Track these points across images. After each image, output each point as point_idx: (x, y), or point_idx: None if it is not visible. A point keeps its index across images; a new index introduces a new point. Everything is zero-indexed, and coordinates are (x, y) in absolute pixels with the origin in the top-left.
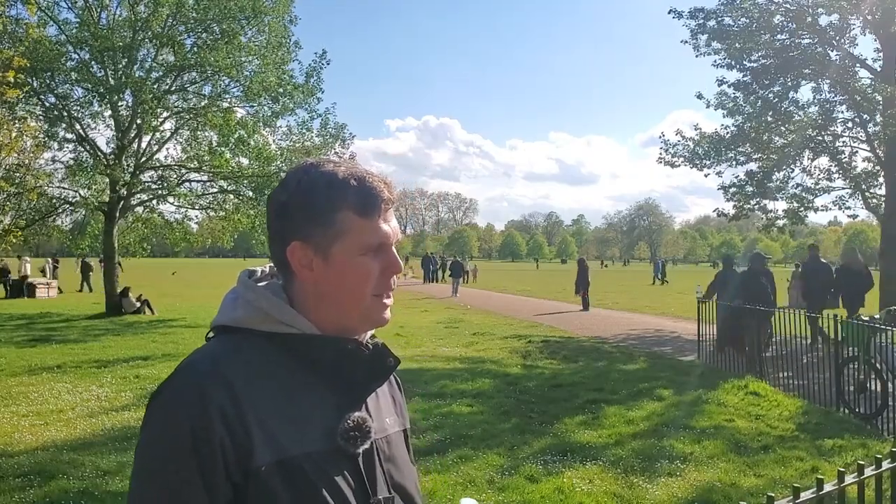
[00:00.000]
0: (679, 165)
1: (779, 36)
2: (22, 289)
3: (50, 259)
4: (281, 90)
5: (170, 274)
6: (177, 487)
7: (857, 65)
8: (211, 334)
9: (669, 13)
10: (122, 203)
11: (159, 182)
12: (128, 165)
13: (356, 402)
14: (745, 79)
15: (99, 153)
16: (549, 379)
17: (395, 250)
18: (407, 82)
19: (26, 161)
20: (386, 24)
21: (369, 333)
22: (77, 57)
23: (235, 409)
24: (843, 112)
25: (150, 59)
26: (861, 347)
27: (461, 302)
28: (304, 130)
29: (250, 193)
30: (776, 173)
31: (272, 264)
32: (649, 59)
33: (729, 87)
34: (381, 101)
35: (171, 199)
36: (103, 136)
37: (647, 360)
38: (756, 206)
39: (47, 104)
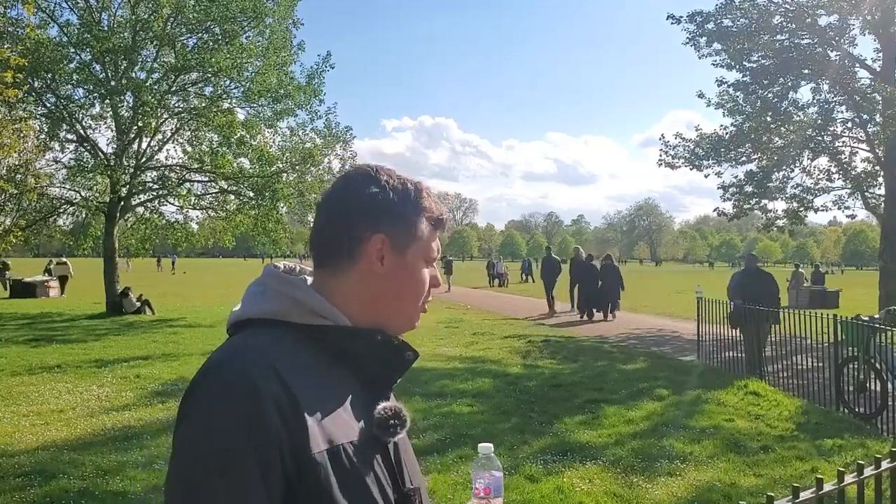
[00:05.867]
0: (679, 167)
1: (778, 36)
2: (28, 288)
3: None
4: (282, 91)
5: (170, 274)
6: (235, 481)
7: (857, 65)
8: (230, 329)
9: (668, 19)
10: (122, 203)
11: (160, 182)
12: (128, 166)
13: (383, 393)
14: (744, 79)
15: (100, 153)
16: (549, 379)
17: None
18: (402, 82)
19: (26, 161)
20: (380, 24)
21: None
22: (78, 58)
23: (288, 398)
24: (842, 112)
25: (150, 60)
26: (861, 347)
27: (458, 300)
28: (307, 132)
29: (251, 194)
30: (776, 173)
31: (288, 262)
32: (646, 59)
33: (729, 87)
34: (377, 101)
35: (171, 199)
36: (104, 136)
37: (646, 360)
38: (755, 206)
39: (48, 105)
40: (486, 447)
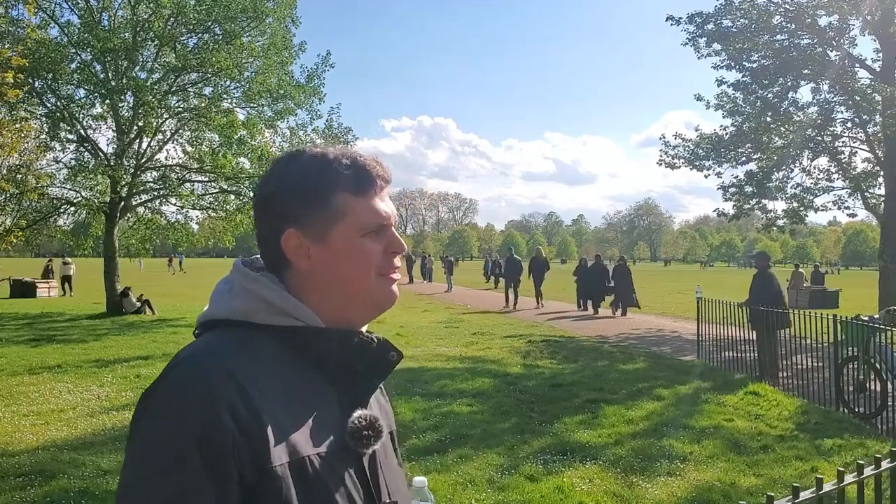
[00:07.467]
0: (679, 167)
1: (778, 36)
2: (30, 289)
3: None
4: (281, 91)
5: (170, 274)
6: (183, 491)
7: (857, 65)
8: (197, 330)
9: (668, 20)
10: (122, 203)
11: (160, 182)
12: (129, 166)
13: (360, 400)
14: (744, 79)
15: (100, 153)
16: (548, 379)
17: (395, 231)
18: (401, 82)
19: (27, 161)
20: (379, 24)
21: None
22: (79, 58)
23: (246, 405)
24: (842, 112)
25: (151, 60)
26: (861, 347)
27: (458, 300)
28: (308, 132)
29: (251, 194)
30: (776, 173)
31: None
32: (644, 59)
33: (728, 87)
34: (376, 101)
35: (172, 199)
36: (104, 136)
37: (646, 360)
38: (755, 206)
39: (49, 105)
40: (420, 480)
